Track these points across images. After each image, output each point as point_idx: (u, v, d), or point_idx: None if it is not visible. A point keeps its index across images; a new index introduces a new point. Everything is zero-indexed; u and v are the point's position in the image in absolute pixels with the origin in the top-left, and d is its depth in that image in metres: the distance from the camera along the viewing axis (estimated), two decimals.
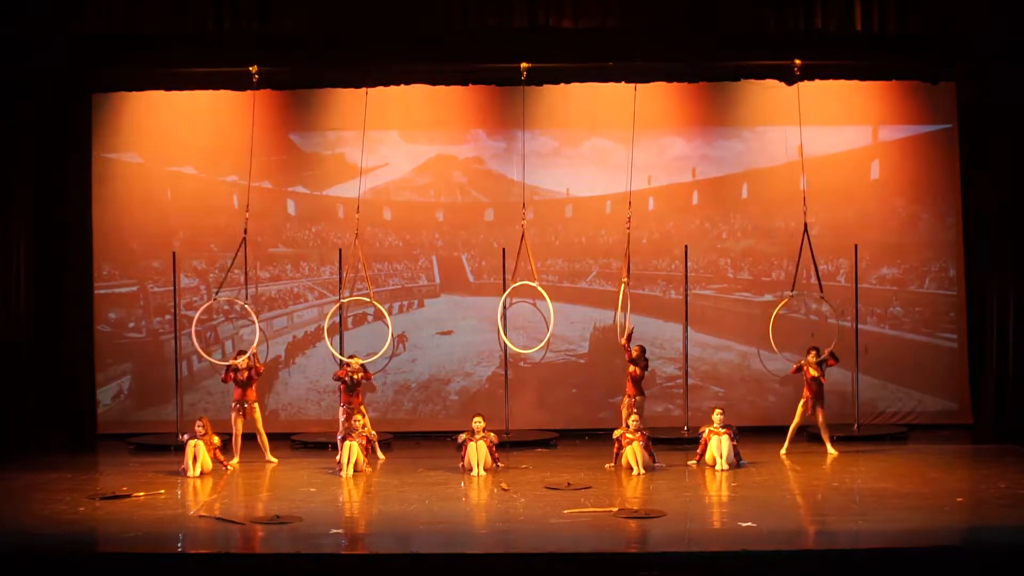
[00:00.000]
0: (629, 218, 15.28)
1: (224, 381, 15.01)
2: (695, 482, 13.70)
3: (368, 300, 15.24)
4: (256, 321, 15.06)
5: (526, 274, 15.05)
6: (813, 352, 15.02)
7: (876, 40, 14.95)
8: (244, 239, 14.92)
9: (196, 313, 15.53)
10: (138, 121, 17.03)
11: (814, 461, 14.73)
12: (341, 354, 15.55)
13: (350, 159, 17.09)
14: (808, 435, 15.58)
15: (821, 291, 15.24)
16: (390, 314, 15.96)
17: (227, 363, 14.92)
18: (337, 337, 15.99)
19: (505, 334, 15.63)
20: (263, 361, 15.29)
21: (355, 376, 15.00)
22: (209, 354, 15.76)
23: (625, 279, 15.03)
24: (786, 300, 15.25)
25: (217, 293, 15.27)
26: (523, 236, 15.06)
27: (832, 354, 15.05)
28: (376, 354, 15.18)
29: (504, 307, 15.70)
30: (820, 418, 14.99)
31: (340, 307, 15.85)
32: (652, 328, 16.10)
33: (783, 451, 14.91)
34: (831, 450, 14.98)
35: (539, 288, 14.91)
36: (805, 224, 15.06)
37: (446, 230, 17.34)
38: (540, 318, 15.72)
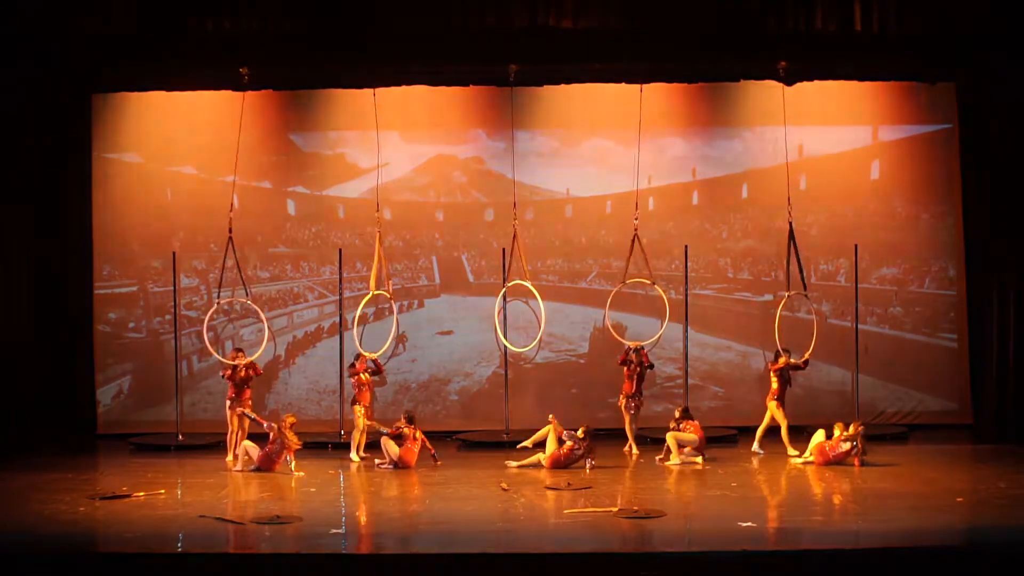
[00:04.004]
0: (636, 219, 15.33)
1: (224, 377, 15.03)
2: (695, 482, 13.70)
3: (388, 296, 15.24)
4: (264, 320, 15.07)
5: (519, 274, 15.10)
6: (787, 354, 14.93)
7: (876, 40, 14.96)
8: (230, 238, 14.91)
9: (205, 319, 15.43)
10: (138, 121, 17.03)
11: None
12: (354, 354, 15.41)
13: (350, 159, 17.10)
14: (808, 435, 15.55)
15: (806, 289, 15.21)
16: (390, 314, 15.97)
17: (235, 363, 14.83)
18: (353, 333, 15.65)
19: (503, 333, 15.63)
20: (266, 360, 15.33)
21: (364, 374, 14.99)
22: (211, 355, 15.71)
23: (650, 281, 15.27)
24: (785, 300, 15.24)
25: (218, 296, 15.24)
26: (515, 236, 15.10)
27: (806, 361, 15.01)
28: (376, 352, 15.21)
29: (499, 306, 15.68)
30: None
31: (342, 301, 15.88)
32: (652, 328, 16.09)
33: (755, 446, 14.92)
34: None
35: (530, 287, 14.95)
36: (791, 224, 15.08)
37: (446, 230, 17.34)
38: (538, 317, 15.73)
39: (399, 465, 14.39)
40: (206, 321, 15.42)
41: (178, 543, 11.28)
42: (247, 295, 15.15)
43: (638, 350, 15.31)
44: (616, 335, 15.52)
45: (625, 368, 15.34)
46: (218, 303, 15.35)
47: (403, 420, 14.68)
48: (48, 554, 10.75)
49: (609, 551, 10.75)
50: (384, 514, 12.44)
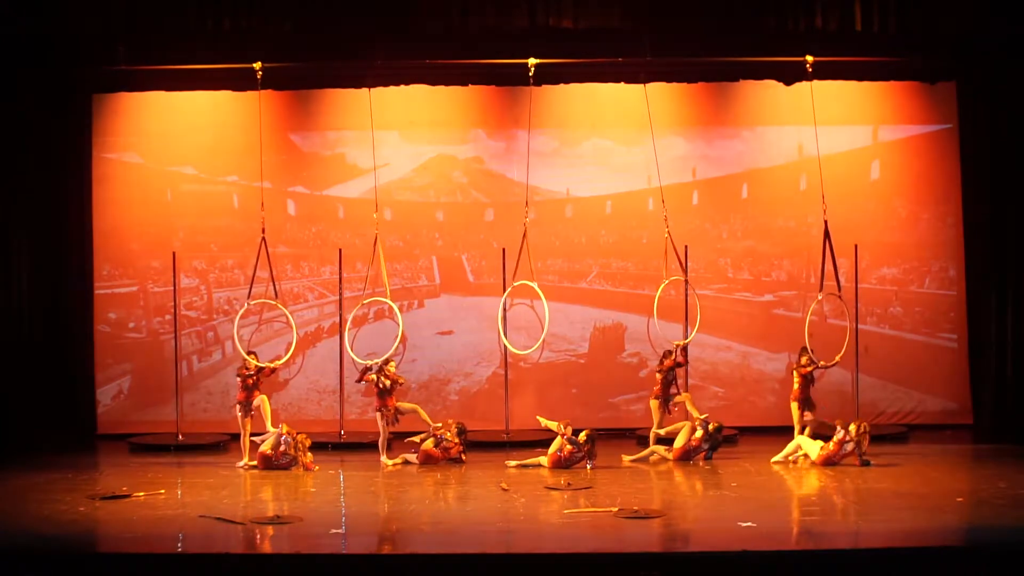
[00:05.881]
0: (666, 217, 15.27)
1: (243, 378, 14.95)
2: (696, 482, 13.70)
3: (384, 300, 15.20)
4: (293, 323, 15.04)
5: (526, 274, 15.07)
6: (806, 356, 14.86)
7: (876, 40, 14.96)
8: (263, 239, 14.85)
9: (236, 321, 15.28)
10: (138, 121, 17.02)
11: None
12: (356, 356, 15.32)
13: (350, 159, 17.10)
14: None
15: (839, 290, 15.24)
16: (390, 314, 15.96)
17: (267, 364, 14.84)
18: (348, 337, 15.68)
19: (505, 335, 15.60)
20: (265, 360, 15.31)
21: (384, 380, 14.89)
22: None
23: (682, 278, 15.28)
24: (816, 304, 15.21)
25: (249, 297, 15.20)
26: (525, 235, 15.05)
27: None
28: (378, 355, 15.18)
29: (504, 308, 15.67)
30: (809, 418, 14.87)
31: (341, 307, 15.87)
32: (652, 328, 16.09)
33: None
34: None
35: (536, 288, 14.91)
36: (825, 223, 14.95)
37: (446, 230, 17.34)
38: (541, 318, 15.73)
39: (421, 461, 14.51)
40: (236, 322, 15.24)
41: (178, 543, 11.28)
42: (276, 297, 15.12)
43: (685, 348, 15.22)
44: (663, 338, 15.24)
45: (659, 375, 15.11)
46: (249, 304, 15.25)
47: (453, 429, 14.73)
48: (48, 554, 10.74)
49: (609, 551, 10.75)
50: (384, 514, 12.44)
